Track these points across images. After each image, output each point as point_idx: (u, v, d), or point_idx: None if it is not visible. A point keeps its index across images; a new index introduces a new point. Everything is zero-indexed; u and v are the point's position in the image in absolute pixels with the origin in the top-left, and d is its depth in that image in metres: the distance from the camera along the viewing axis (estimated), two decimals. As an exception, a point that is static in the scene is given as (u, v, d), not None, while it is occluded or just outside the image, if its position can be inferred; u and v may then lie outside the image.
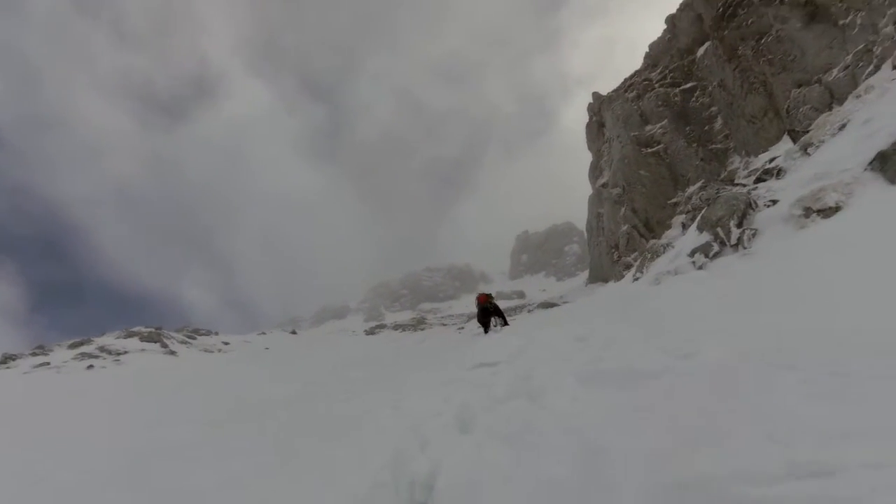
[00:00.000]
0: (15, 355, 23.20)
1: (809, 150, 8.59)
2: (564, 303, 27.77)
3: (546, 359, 5.02)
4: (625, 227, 33.28)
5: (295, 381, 11.10)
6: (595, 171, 41.78)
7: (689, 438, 2.44)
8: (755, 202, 7.47)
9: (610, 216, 36.13)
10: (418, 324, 35.85)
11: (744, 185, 8.91)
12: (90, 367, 20.81)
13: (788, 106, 20.44)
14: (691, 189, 32.04)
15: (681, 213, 27.66)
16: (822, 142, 8.49)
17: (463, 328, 26.50)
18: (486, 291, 15.90)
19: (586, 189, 43.68)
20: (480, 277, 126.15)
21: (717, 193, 8.23)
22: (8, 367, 20.84)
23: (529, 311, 27.82)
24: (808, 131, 9.97)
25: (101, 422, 8.57)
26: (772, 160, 9.79)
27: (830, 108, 15.58)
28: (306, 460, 4.14)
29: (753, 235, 6.60)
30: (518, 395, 4.16)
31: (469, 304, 77.87)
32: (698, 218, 8.11)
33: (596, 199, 40.39)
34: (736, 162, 28.55)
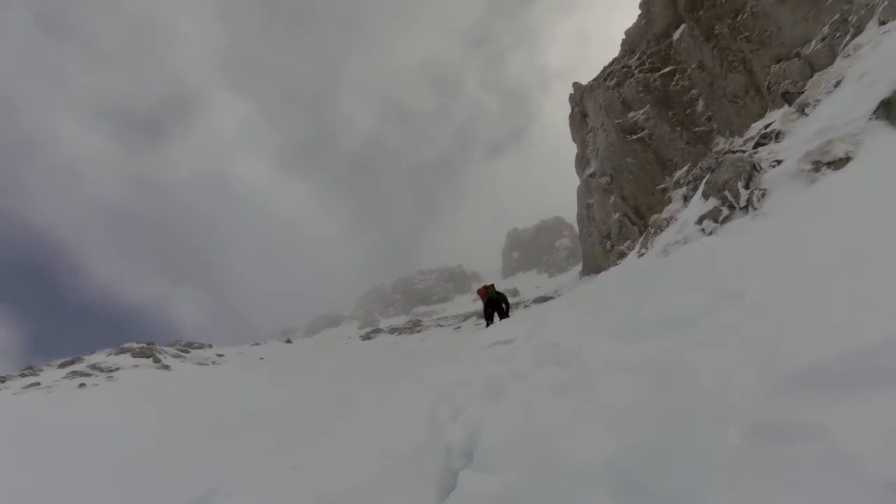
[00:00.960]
0: (3, 377, 22.54)
1: (806, 110, 8.49)
2: (560, 296, 27.63)
3: (566, 330, 4.75)
4: (616, 216, 33.24)
5: (298, 387, 10.77)
6: (581, 161, 41.78)
7: (789, 337, 2.13)
8: (759, 164, 7.32)
9: (600, 206, 36.10)
10: (414, 326, 35.53)
11: (743, 152, 8.77)
12: (82, 385, 20.20)
13: (769, 82, 20.49)
14: (679, 173, 32.17)
15: (672, 195, 27.73)
16: (819, 101, 8.40)
17: (460, 327, 26.23)
18: (485, 285, 15.51)
19: (573, 182, 43.69)
20: (473, 278, 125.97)
21: (717, 161, 8.09)
22: None
23: (526, 307, 27.62)
24: (802, 92, 9.90)
25: (109, 433, 8.18)
26: (767, 126, 9.68)
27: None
28: (337, 436, 3.87)
29: (763, 195, 6.44)
30: (547, 362, 3.87)
31: (463, 305, 77.58)
32: (702, 185, 7.94)
33: (585, 190, 40.37)
34: (721, 143, 28.65)
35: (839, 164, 5.97)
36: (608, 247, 34.50)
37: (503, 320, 12.72)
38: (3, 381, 22.56)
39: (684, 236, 7.19)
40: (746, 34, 23.60)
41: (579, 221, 43.16)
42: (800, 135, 7.69)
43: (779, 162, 7.35)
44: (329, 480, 2.79)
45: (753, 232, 5.44)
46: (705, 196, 7.42)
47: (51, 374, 22.69)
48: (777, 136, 8.70)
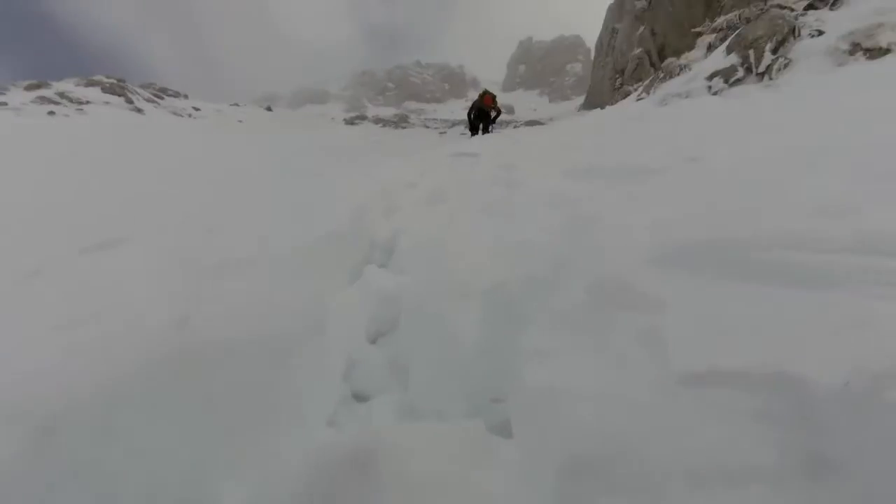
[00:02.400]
0: None
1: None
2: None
3: (532, 157, 4.72)
4: (637, 51, 30.55)
5: (267, 154, 10.72)
6: (623, -24, 36.54)
7: (705, 213, 2.20)
8: (799, 29, 6.56)
9: (625, 35, 32.85)
10: (400, 121, 34.62)
11: (792, 10, 7.76)
12: (51, 112, 19.68)
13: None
14: (721, 19, 28.87)
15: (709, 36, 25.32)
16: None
17: (445, 132, 25.75)
18: (490, 93, 14.65)
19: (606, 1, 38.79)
20: (472, 83, 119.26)
21: (760, 12, 7.16)
22: None
23: (515, 127, 26.96)
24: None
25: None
26: (830, -15, 8.40)
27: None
28: (266, 205, 4.01)
29: (785, 66, 5.91)
30: (498, 181, 3.95)
31: (455, 111, 75.04)
32: (732, 36, 7.17)
33: (616, 11, 36.20)
34: (781, -7, 25.28)
35: (876, 53, 5.39)
36: (618, 83, 32.53)
37: (485, 135, 12.50)
38: None
39: (688, 90, 6.74)
40: None
41: (597, 47, 39.74)
42: (859, 8, 6.76)
43: (820, 32, 6.60)
44: (239, 247, 2.95)
45: (756, 102, 5.13)
46: (728, 50, 6.76)
47: (17, 96, 21.64)
48: (835, 2, 7.64)
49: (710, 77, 6.67)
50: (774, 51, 6.23)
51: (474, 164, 4.97)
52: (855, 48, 5.66)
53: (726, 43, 7.18)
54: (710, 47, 8.97)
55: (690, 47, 28.45)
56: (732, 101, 5.38)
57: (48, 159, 8.26)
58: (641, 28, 30.79)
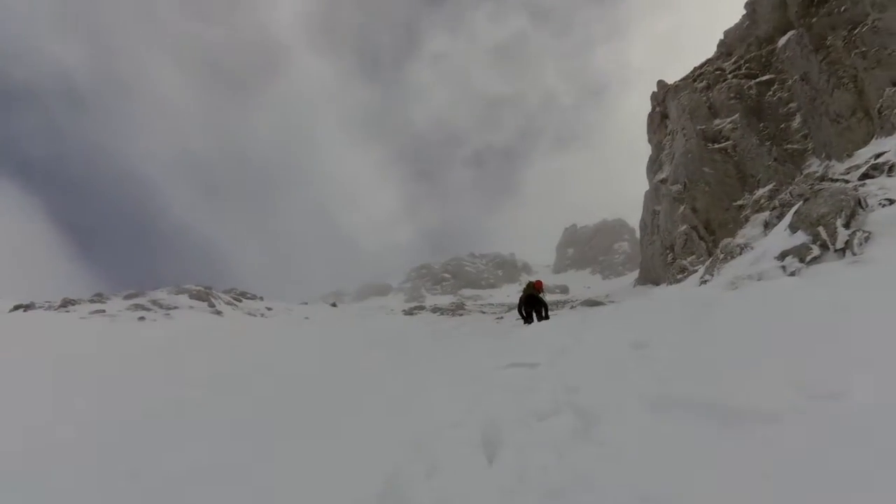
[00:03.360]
0: (74, 300, 24.63)
1: (935, 142, 7.12)
2: (611, 302, 26.42)
3: (596, 367, 4.08)
4: (683, 228, 31.21)
5: (318, 356, 10.70)
6: (654, 165, 39.51)
7: None
8: (865, 200, 6.19)
9: (667, 214, 34.06)
10: (457, 308, 35.32)
11: (846, 182, 7.53)
12: (142, 318, 21.73)
13: (881, 105, 18.27)
14: (760, 191, 29.54)
15: (749, 214, 25.56)
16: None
17: (502, 318, 25.72)
18: (538, 280, 14.84)
19: (642, 186, 41.47)
20: (523, 268, 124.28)
21: (813, 190, 6.95)
22: (67, 311, 22.04)
23: (572, 308, 26.64)
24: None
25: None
26: (878, 155, 8.29)
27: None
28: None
29: (867, 239, 5.39)
30: (561, 409, 3.25)
31: (510, 294, 76.75)
32: (789, 214, 6.85)
33: (653, 196, 38.24)
34: (814, 165, 26.14)
35: (978, 214, 4.84)
36: (669, 259, 32.62)
37: (541, 322, 12.07)
38: (73, 305, 24.56)
39: (759, 271, 6.21)
40: (863, 49, 21.20)
41: (642, 227, 41.11)
42: (924, 169, 6.44)
43: (891, 201, 6.18)
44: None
45: (851, 282, 4.48)
46: (792, 229, 6.37)
47: (116, 304, 24.51)
48: (891, 168, 7.40)
49: (781, 257, 6.17)
50: (847, 225, 5.78)
51: (532, 379, 4.32)
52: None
53: (787, 220, 6.85)
54: (767, 224, 8.68)
55: (735, 219, 28.85)
56: (819, 282, 4.76)
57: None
58: (682, 207, 31.93)
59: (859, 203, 6.17)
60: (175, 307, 25.14)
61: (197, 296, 27.30)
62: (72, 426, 5.27)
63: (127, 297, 26.21)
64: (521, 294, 14.28)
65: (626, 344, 4.74)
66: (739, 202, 29.49)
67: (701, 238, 29.68)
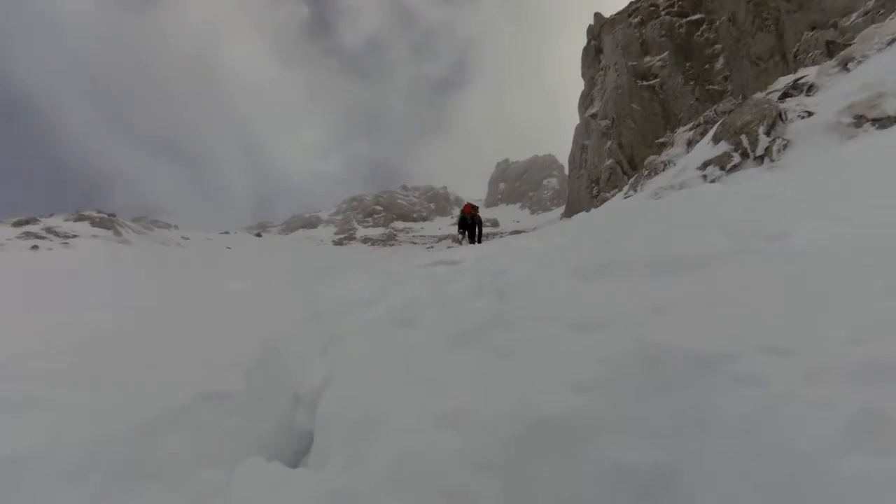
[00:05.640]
0: None
1: (850, 65, 7.35)
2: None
3: (528, 259, 3.90)
4: (608, 162, 32.12)
5: (235, 277, 9.95)
6: (586, 100, 39.80)
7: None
8: (785, 113, 6.30)
9: (595, 149, 34.82)
10: (388, 239, 34.93)
11: (768, 102, 7.68)
12: (34, 247, 19.48)
13: (798, 49, 19.15)
14: (680, 132, 30.77)
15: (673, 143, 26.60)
16: (867, 56, 7.27)
17: (432, 247, 25.72)
18: (471, 203, 14.77)
19: (573, 122, 41.89)
20: (456, 202, 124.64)
21: (738, 103, 7.01)
22: None
23: (501, 237, 27.08)
24: (849, 44, 8.68)
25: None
26: (798, 80, 8.53)
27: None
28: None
29: (786, 146, 5.50)
30: (485, 291, 3.03)
31: (442, 227, 77.11)
32: (715, 127, 6.91)
33: (583, 130, 38.80)
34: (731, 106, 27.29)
35: (887, 121, 5.03)
36: (595, 192, 33.69)
37: (470, 245, 11.98)
38: None
39: (681, 181, 6.27)
40: (787, -8, 21.80)
41: (570, 162, 41.96)
42: (839, 89, 6.65)
43: (809, 114, 6.34)
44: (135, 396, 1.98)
45: (767, 183, 4.55)
46: (715, 140, 6.43)
47: (3, 232, 21.65)
48: (809, 89, 7.61)
49: (703, 167, 6.23)
50: (768, 133, 5.86)
51: (456, 272, 4.08)
52: (860, 120, 5.31)
53: (711, 133, 6.90)
54: (691, 142, 8.83)
55: (658, 154, 29.86)
56: (739, 185, 4.82)
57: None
58: (609, 142, 32.69)
59: (780, 115, 6.27)
60: (74, 235, 22.68)
61: (100, 223, 24.78)
62: None
63: (16, 225, 23.25)
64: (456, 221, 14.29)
65: (551, 247, 4.61)
66: (662, 139, 30.60)
67: (625, 172, 30.70)
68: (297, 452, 2.24)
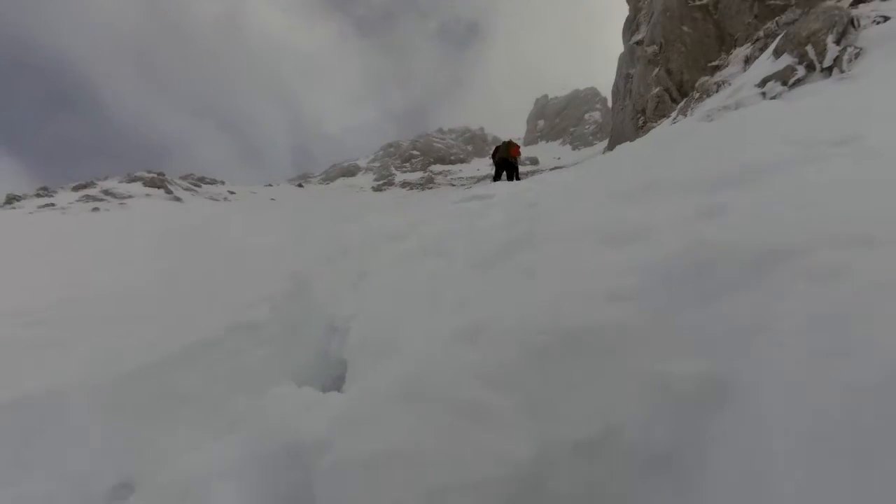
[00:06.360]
0: (19, 196, 23.16)
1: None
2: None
3: (564, 191, 3.76)
4: (656, 90, 30.12)
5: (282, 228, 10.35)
6: (631, 26, 36.95)
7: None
8: (858, 20, 5.62)
9: (641, 78, 32.64)
10: (427, 183, 34.83)
11: (838, 9, 6.85)
12: (95, 209, 20.64)
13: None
14: (737, 50, 28.20)
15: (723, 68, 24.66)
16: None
17: (471, 188, 25.63)
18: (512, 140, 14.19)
19: (617, 51, 39.14)
20: (494, 142, 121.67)
21: (803, 13, 6.26)
22: (13, 208, 20.62)
23: (541, 174, 26.49)
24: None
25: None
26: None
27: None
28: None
29: (857, 55, 4.93)
30: (516, 222, 2.95)
31: (480, 168, 75.90)
32: (777, 40, 6.26)
33: (627, 58, 36.33)
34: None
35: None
36: (640, 122, 31.91)
37: (509, 181, 11.76)
38: (18, 201, 23.09)
39: (737, 100, 5.77)
40: None
41: (614, 93, 39.68)
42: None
43: (886, 18, 5.63)
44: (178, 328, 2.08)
45: (836, 95, 4.11)
46: (777, 53, 5.83)
47: (65, 196, 23.08)
48: (888, -9, 6.70)
49: (762, 83, 5.71)
50: (838, 42, 5.26)
51: (488, 206, 4.00)
52: (948, 22, 4.67)
53: (772, 47, 6.26)
54: (749, 59, 8.06)
55: (711, 76, 27.76)
56: (802, 100, 4.37)
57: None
58: (656, 69, 30.50)
59: (852, 22, 5.60)
60: (129, 196, 23.92)
61: (151, 183, 25.97)
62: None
63: (76, 189, 24.67)
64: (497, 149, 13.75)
65: (587, 176, 4.41)
66: (715, 62, 28.25)
67: (673, 100, 28.80)
68: (337, 378, 2.34)
